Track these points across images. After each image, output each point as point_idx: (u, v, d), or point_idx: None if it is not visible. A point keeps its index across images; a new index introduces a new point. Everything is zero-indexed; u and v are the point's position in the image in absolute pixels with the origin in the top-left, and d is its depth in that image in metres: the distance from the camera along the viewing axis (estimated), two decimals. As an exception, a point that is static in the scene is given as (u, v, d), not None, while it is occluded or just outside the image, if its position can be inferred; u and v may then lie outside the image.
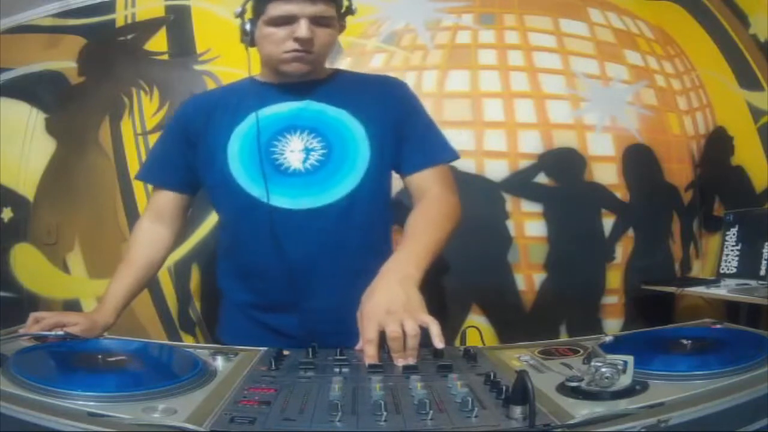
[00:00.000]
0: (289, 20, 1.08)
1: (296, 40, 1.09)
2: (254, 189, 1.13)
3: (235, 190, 1.14)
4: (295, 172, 1.13)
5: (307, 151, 1.14)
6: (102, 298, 1.13)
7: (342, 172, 1.14)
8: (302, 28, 1.08)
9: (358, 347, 0.92)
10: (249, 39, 1.15)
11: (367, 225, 1.15)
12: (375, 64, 2.16)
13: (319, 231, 1.12)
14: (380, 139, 1.17)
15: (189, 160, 1.21)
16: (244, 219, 1.15)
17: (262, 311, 1.17)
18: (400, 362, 0.84)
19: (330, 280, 1.12)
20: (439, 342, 0.87)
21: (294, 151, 1.14)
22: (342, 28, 1.18)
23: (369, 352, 0.86)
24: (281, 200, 1.12)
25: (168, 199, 1.24)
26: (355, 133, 1.16)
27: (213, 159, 1.17)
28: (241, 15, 1.15)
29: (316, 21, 1.09)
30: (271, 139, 1.15)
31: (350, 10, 1.17)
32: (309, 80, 1.17)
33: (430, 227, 1.09)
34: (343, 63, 2.12)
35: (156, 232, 1.23)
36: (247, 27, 1.14)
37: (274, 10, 1.08)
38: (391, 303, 0.91)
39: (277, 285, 1.14)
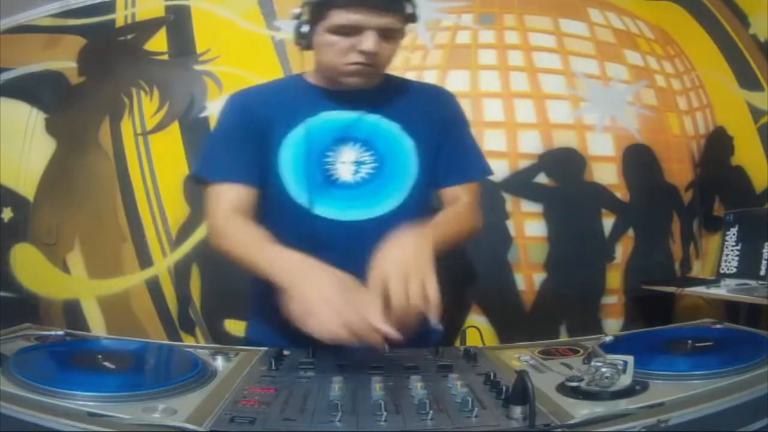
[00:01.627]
0: (353, 30, 1.01)
1: (361, 52, 1.01)
2: (302, 197, 1.11)
3: (283, 197, 1.11)
4: (344, 185, 1.11)
5: (358, 164, 1.12)
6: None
7: (391, 186, 1.12)
8: (369, 41, 1.00)
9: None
10: (306, 43, 1.07)
11: None
12: (375, 64, 2.16)
13: (363, 243, 1.10)
14: (427, 154, 1.15)
15: (262, 151, 1.12)
16: (289, 226, 1.10)
17: None
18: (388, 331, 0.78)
19: None
20: (435, 322, 0.84)
21: (345, 163, 1.11)
22: (402, 36, 1.09)
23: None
24: (328, 211, 1.10)
25: (245, 195, 1.11)
26: (406, 148, 1.14)
27: (266, 161, 1.12)
28: (298, 16, 1.07)
29: (383, 33, 1.02)
30: (324, 150, 1.11)
31: (413, 18, 1.08)
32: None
33: (453, 219, 1.09)
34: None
35: (251, 224, 1.09)
36: (303, 30, 1.06)
37: (338, 18, 0.99)
38: (402, 255, 0.88)
39: None
